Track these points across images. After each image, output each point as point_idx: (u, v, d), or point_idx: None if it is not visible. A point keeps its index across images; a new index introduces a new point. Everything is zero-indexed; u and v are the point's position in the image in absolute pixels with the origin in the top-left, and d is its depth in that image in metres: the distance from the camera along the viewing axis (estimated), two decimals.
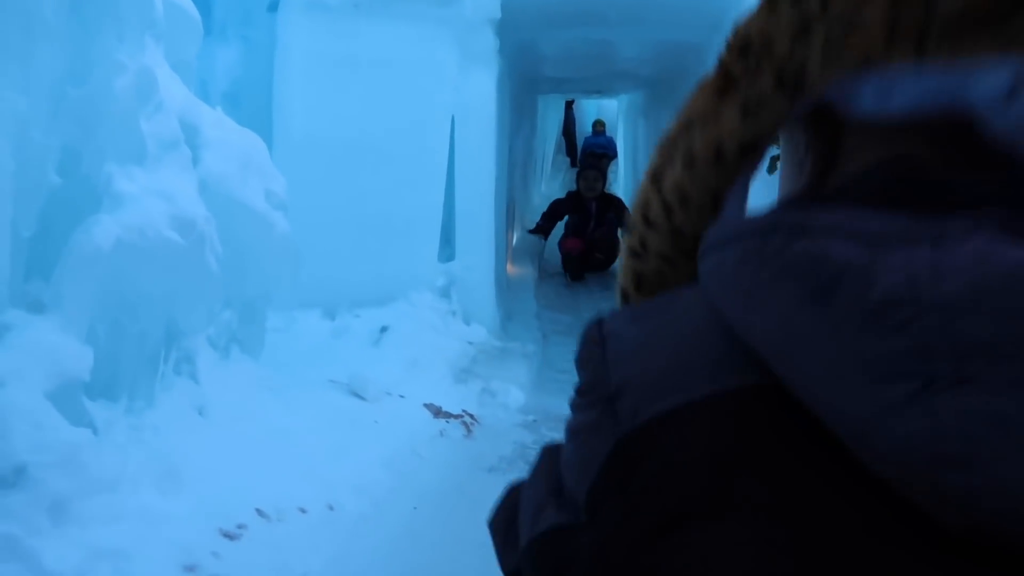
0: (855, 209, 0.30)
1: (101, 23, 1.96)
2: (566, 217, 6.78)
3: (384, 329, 3.54)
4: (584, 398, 0.40)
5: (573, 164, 12.42)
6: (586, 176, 6.83)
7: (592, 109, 13.12)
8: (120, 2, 1.97)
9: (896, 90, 0.35)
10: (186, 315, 2.09)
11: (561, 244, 6.66)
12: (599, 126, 12.17)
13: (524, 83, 5.75)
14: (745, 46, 0.42)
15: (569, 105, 12.99)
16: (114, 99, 1.91)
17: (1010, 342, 0.27)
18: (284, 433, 2.40)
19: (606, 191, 6.81)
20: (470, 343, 3.67)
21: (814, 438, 0.31)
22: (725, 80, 0.43)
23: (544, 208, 9.32)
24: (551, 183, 10.74)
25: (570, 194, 6.89)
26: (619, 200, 6.82)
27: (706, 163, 0.42)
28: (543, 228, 6.86)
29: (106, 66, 1.92)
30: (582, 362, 0.41)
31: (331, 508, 2.12)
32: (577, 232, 6.56)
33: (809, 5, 0.39)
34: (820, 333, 0.30)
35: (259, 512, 1.96)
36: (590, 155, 12.11)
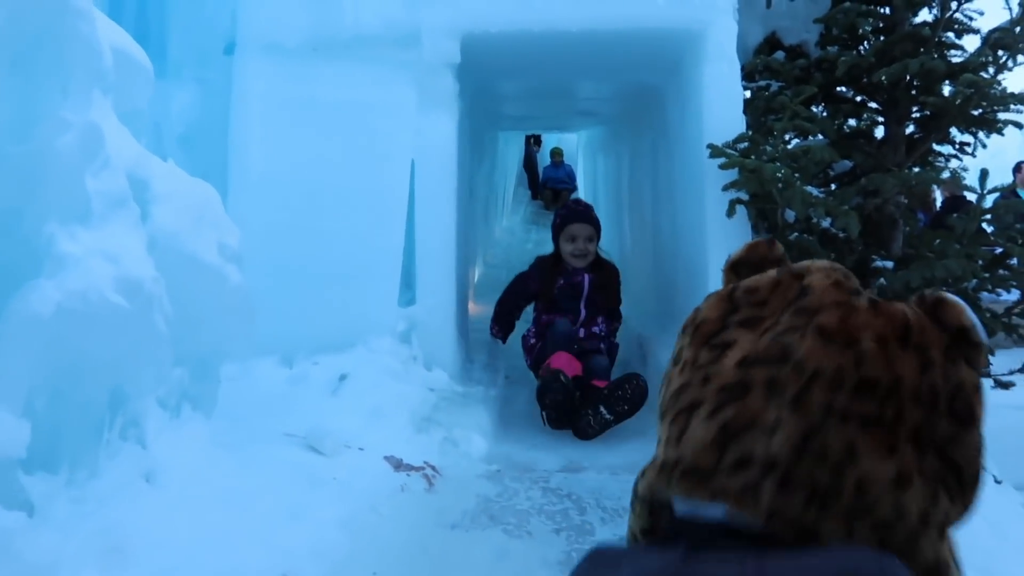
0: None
1: (45, 77, 1.90)
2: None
3: (343, 377, 3.46)
4: None
5: (534, 196, 12.50)
6: (572, 232, 4.01)
7: (551, 137, 13.29)
8: (65, 55, 1.91)
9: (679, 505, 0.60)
10: (133, 379, 2.01)
11: (533, 350, 3.98)
12: (557, 156, 12.32)
13: (484, 121, 5.76)
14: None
15: (529, 140, 13.08)
16: (57, 157, 1.83)
17: None
18: (238, 496, 2.30)
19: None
20: (431, 389, 3.60)
21: None
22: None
23: (508, 244, 9.23)
24: (512, 216, 10.79)
25: (543, 261, 4.18)
26: (612, 268, 4.22)
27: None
28: (502, 326, 4.28)
29: (50, 123, 1.84)
30: None
31: None
32: (563, 317, 3.94)
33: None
34: None
35: None
36: (550, 189, 12.18)
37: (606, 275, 4.14)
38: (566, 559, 2.36)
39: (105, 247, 1.88)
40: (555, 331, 3.85)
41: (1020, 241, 3.86)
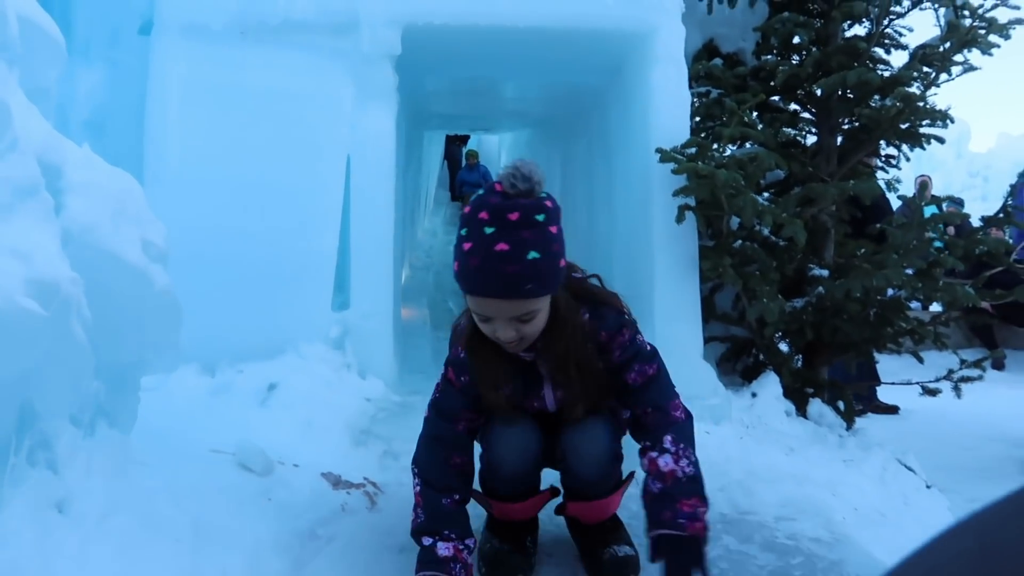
0: None
1: None
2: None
3: (272, 387, 3.21)
4: None
5: (453, 198, 12.33)
6: (480, 311, 1.73)
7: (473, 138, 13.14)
8: None
9: None
10: (45, 395, 1.74)
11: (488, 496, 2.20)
12: (472, 158, 12.22)
13: (414, 119, 5.57)
14: None
15: (453, 140, 12.93)
16: None
17: None
18: (163, 523, 2.05)
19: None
20: (368, 399, 3.40)
21: None
22: None
23: (430, 245, 9.04)
24: (433, 218, 10.60)
25: (460, 347, 1.99)
26: (605, 297, 1.97)
27: None
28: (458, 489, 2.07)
29: None
30: None
31: None
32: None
33: None
34: None
35: None
36: (464, 191, 11.99)
37: (572, 351, 1.91)
38: None
39: (13, 243, 1.62)
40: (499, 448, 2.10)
41: (946, 252, 3.98)
